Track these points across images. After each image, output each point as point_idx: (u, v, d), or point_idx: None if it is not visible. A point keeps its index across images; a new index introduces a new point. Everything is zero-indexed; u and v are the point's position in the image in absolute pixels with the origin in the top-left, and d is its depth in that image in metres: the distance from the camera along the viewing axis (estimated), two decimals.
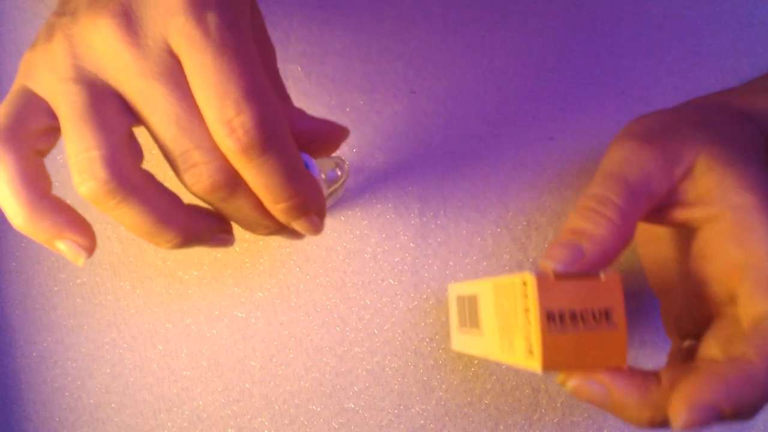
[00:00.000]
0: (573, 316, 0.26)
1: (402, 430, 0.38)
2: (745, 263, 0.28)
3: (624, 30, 0.41)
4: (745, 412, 0.25)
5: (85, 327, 0.39)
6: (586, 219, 0.29)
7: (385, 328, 0.39)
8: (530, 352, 0.26)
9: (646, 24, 0.41)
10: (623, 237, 0.28)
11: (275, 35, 0.40)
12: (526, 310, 0.26)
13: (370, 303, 0.39)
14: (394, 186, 0.40)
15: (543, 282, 0.25)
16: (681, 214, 0.30)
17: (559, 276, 0.26)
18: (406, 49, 0.41)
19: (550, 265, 0.28)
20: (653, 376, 0.27)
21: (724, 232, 0.28)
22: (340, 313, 0.39)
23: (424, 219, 0.39)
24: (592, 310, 0.26)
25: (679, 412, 0.25)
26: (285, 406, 0.38)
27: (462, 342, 0.35)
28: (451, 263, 0.39)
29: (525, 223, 0.40)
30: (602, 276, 0.26)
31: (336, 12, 0.41)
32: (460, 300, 0.35)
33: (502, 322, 0.29)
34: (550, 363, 0.25)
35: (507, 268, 0.39)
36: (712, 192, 0.29)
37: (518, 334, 0.27)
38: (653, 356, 0.39)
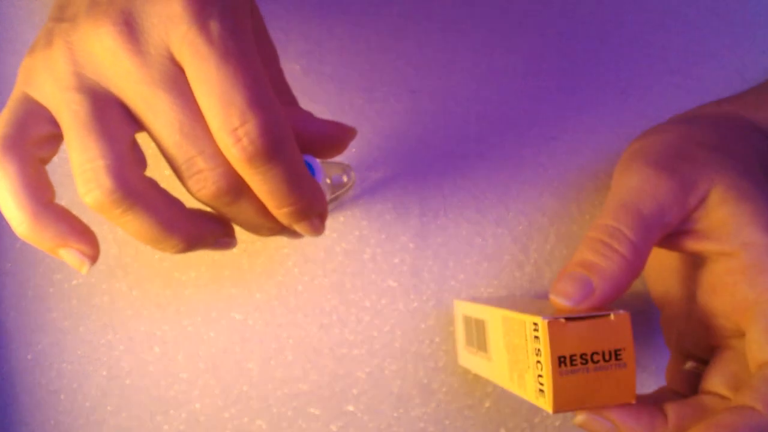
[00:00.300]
0: (584, 359, 0.26)
1: None
2: (755, 305, 0.28)
3: (624, 29, 0.41)
4: None
5: (81, 329, 0.38)
6: (596, 252, 0.28)
7: (385, 330, 0.39)
8: (541, 392, 0.26)
9: (646, 24, 0.41)
10: (634, 271, 0.28)
11: (274, 34, 0.40)
12: (537, 352, 0.27)
13: (370, 305, 0.39)
14: (394, 186, 0.39)
15: (554, 327, 0.26)
16: (692, 245, 0.30)
17: (570, 318, 0.26)
18: (406, 49, 0.41)
19: (560, 302, 0.28)
20: (660, 413, 0.28)
21: (736, 270, 0.28)
22: (339, 315, 0.39)
23: (424, 219, 0.39)
24: (602, 351, 0.26)
25: None
26: (283, 409, 0.38)
27: (469, 360, 0.35)
28: (451, 264, 0.39)
29: (526, 223, 0.40)
30: (612, 316, 0.26)
31: (336, 11, 0.41)
32: (467, 320, 0.35)
33: (512, 355, 0.29)
34: (561, 404, 0.26)
35: (508, 269, 0.39)
36: (726, 226, 0.29)
37: (529, 371, 0.27)
38: (656, 357, 0.39)
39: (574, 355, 0.26)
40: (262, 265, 0.39)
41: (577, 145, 0.40)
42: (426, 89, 0.40)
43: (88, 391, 0.38)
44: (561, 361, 0.26)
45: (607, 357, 0.26)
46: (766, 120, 0.35)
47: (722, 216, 0.29)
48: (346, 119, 0.40)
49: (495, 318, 0.31)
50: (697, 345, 0.32)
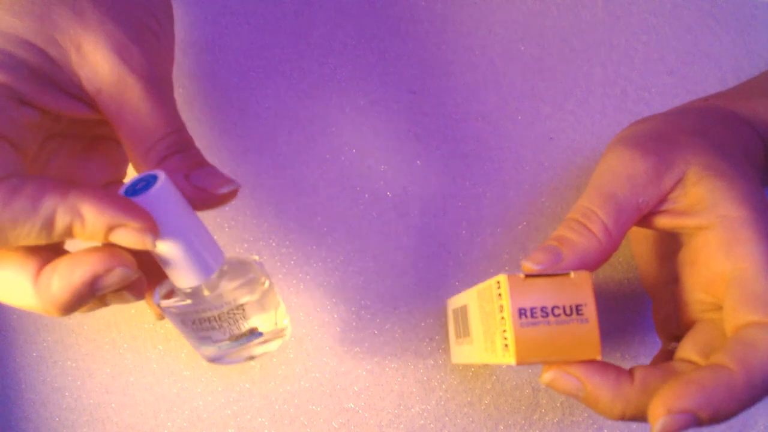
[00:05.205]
0: (544, 311, 0.27)
1: (402, 430, 0.38)
2: (731, 275, 0.28)
3: (624, 30, 0.41)
4: (721, 418, 0.26)
5: (85, 327, 0.39)
6: (570, 229, 0.30)
7: (385, 328, 0.39)
8: (506, 347, 0.27)
9: (645, 23, 0.41)
10: (604, 248, 0.29)
11: (272, 36, 0.40)
12: (501, 308, 0.28)
13: (370, 303, 0.39)
14: (394, 186, 0.40)
15: (514, 281, 0.27)
16: (671, 222, 0.31)
17: (530, 275, 0.27)
18: (406, 49, 0.41)
19: (527, 266, 0.29)
20: (626, 372, 0.28)
21: (713, 243, 0.29)
22: (340, 314, 0.39)
23: (424, 219, 0.39)
24: (563, 306, 0.27)
25: (658, 417, 0.26)
26: (285, 406, 0.38)
27: (459, 353, 0.36)
28: (450, 263, 0.39)
29: (525, 223, 0.40)
30: (572, 275, 0.28)
31: (335, 12, 0.41)
32: (455, 312, 0.36)
33: (485, 324, 0.30)
34: (523, 355, 0.27)
35: (507, 268, 0.39)
36: (703, 202, 0.29)
37: (497, 332, 0.28)
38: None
39: (535, 308, 0.27)
40: (264, 263, 0.39)
41: (577, 145, 0.40)
42: (426, 89, 0.40)
43: (92, 388, 0.38)
44: (522, 313, 0.27)
45: (568, 311, 0.27)
46: (754, 112, 0.35)
47: (699, 193, 0.30)
48: (346, 119, 0.40)
49: (473, 297, 0.32)
50: (679, 323, 0.32)
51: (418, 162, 0.40)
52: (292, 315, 0.39)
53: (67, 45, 0.26)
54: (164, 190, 0.25)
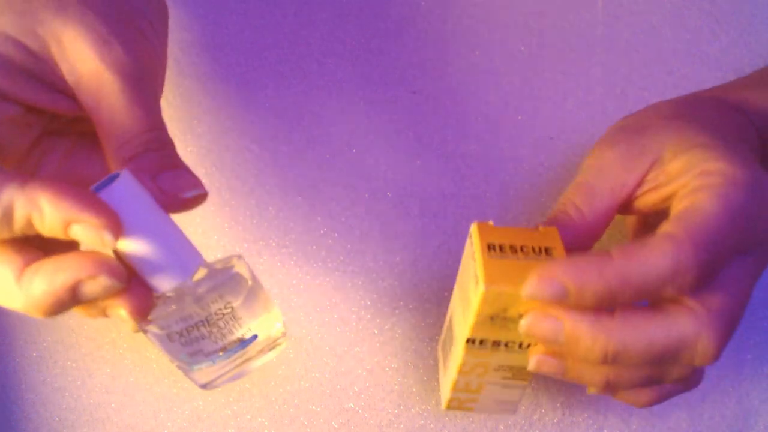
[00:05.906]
0: (513, 249, 0.29)
1: (402, 430, 0.38)
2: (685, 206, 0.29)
3: (624, 29, 0.41)
4: (587, 296, 0.26)
5: (86, 327, 0.39)
6: (550, 218, 0.32)
7: (386, 328, 0.39)
8: (477, 283, 0.28)
9: (645, 23, 0.41)
10: (578, 230, 0.31)
11: (272, 36, 0.40)
12: (473, 256, 0.29)
13: (371, 303, 0.39)
14: (394, 186, 0.40)
15: (484, 226, 0.30)
16: (656, 196, 0.32)
17: (500, 226, 0.29)
18: (406, 49, 0.41)
19: None
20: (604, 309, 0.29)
21: (684, 193, 0.30)
22: (340, 313, 0.39)
23: (424, 219, 0.39)
24: (532, 246, 0.29)
25: (528, 281, 0.27)
26: (285, 406, 0.38)
27: (446, 381, 0.35)
28: (450, 263, 0.39)
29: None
30: (540, 228, 0.30)
31: (335, 12, 0.41)
32: (443, 344, 0.36)
33: (463, 301, 0.30)
34: (492, 280, 0.27)
35: None
36: (683, 169, 0.30)
37: (471, 285, 0.29)
38: None
39: (503, 244, 0.28)
40: (263, 264, 0.39)
41: (577, 145, 0.40)
42: (426, 89, 0.40)
43: (92, 388, 0.38)
44: (491, 248, 0.28)
45: (537, 251, 0.28)
46: (745, 100, 0.36)
47: (677, 166, 0.30)
48: (346, 119, 0.40)
49: (454, 295, 0.33)
50: None
51: (418, 162, 0.40)
52: (292, 315, 0.39)
53: (48, 38, 0.26)
54: (124, 187, 0.25)
